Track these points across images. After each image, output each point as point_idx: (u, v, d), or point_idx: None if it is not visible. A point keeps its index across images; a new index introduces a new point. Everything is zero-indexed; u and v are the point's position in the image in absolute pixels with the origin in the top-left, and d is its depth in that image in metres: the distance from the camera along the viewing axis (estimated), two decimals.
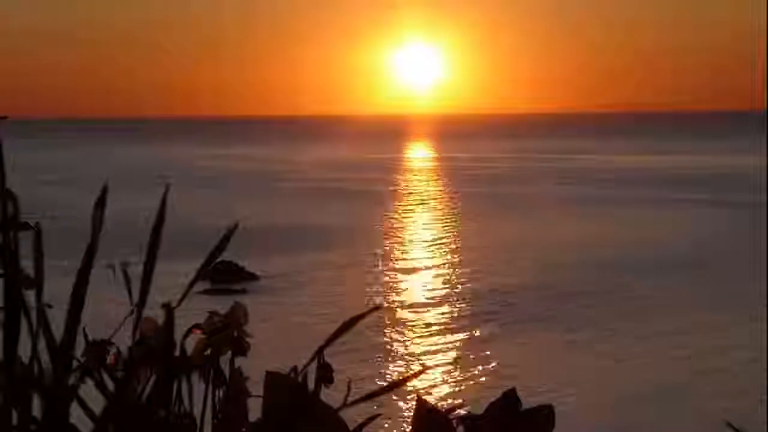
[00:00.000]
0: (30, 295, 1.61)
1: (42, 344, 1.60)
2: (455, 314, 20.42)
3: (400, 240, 32.11)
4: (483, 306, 20.96)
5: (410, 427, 2.07)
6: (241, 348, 1.99)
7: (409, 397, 13.72)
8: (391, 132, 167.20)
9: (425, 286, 23.64)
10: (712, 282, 23.37)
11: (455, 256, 28.25)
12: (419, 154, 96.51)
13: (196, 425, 1.88)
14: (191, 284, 1.74)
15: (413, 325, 19.46)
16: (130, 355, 1.82)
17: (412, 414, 2.07)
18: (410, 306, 21.27)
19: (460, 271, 25.49)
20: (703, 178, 56.48)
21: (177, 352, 1.82)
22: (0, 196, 1.59)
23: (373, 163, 76.57)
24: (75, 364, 1.65)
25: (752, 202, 40.54)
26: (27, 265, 1.63)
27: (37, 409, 1.59)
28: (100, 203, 1.63)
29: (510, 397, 2.11)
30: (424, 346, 18.00)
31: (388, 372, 16.05)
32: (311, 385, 1.95)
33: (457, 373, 16.13)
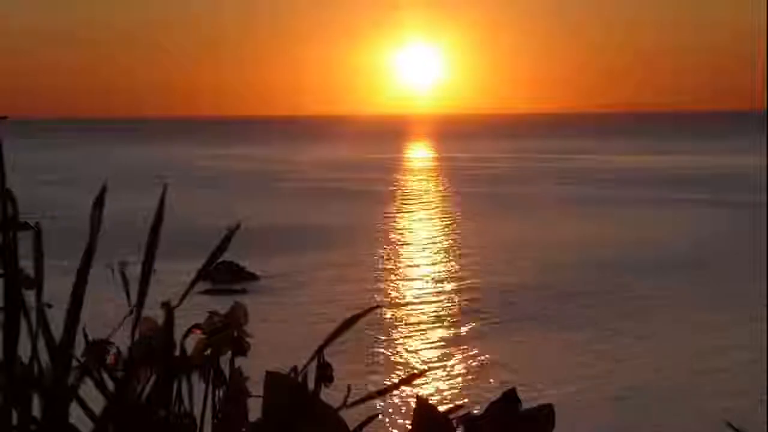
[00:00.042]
0: (30, 295, 1.61)
1: (42, 344, 1.60)
2: (455, 314, 20.42)
3: (399, 240, 32.10)
4: (483, 306, 20.96)
5: (410, 427, 2.07)
6: (241, 348, 1.99)
7: (409, 397, 13.71)
8: (391, 132, 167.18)
9: (425, 285, 23.63)
10: (712, 282, 23.36)
11: (455, 256, 28.24)
12: (419, 154, 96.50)
13: (196, 425, 1.88)
14: (192, 284, 1.74)
15: (412, 325, 19.46)
16: (130, 355, 1.82)
17: (411, 414, 2.07)
18: (410, 305, 21.26)
19: (459, 271, 25.49)
20: (703, 178, 56.47)
21: (177, 352, 1.81)
22: (0, 196, 1.59)
23: (374, 163, 76.56)
24: (75, 363, 1.65)
25: (752, 202, 40.54)
26: (27, 265, 1.63)
27: (37, 409, 1.59)
28: (99, 203, 1.63)
29: (510, 397, 2.11)
30: (423, 345, 17.99)
31: (387, 372, 16.05)
32: (311, 384, 1.95)
33: (456, 373, 16.13)
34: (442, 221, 37.48)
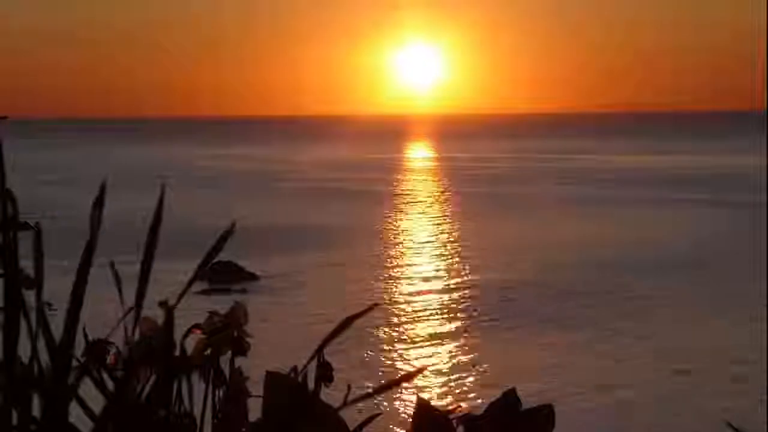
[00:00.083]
0: (30, 295, 1.61)
1: (42, 344, 1.60)
2: (454, 313, 20.41)
3: (399, 240, 32.10)
4: (482, 305, 20.95)
5: (410, 427, 2.07)
6: (241, 348, 1.99)
7: (408, 397, 13.72)
8: (391, 132, 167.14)
9: (424, 285, 23.63)
10: (712, 282, 23.36)
11: (454, 255, 28.24)
12: (419, 154, 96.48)
13: (196, 425, 1.88)
14: (189, 283, 1.74)
15: (412, 325, 19.45)
16: (129, 355, 1.82)
17: (411, 414, 2.07)
18: (409, 305, 21.26)
19: (459, 271, 25.48)
20: (703, 178, 56.46)
21: (177, 352, 1.82)
22: (0, 196, 1.59)
23: (374, 163, 76.55)
24: (75, 363, 1.65)
25: (752, 202, 40.53)
26: (27, 265, 1.62)
27: (37, 409, 1.59)
28: (99, 202, 1.63)
29: (510, 397, 2.11)
30: (422, 345, 17.99)
31: (386, 371, 16.04)
32: (311, 384, 1.95)
33: (455, 373, 16.12)
34: (442, 221, 37.47)
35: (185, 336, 1.89)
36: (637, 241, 30.30)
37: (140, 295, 1.68)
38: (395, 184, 56.28)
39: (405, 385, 13.49)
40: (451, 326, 19.38)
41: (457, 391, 15.13)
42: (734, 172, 58.84)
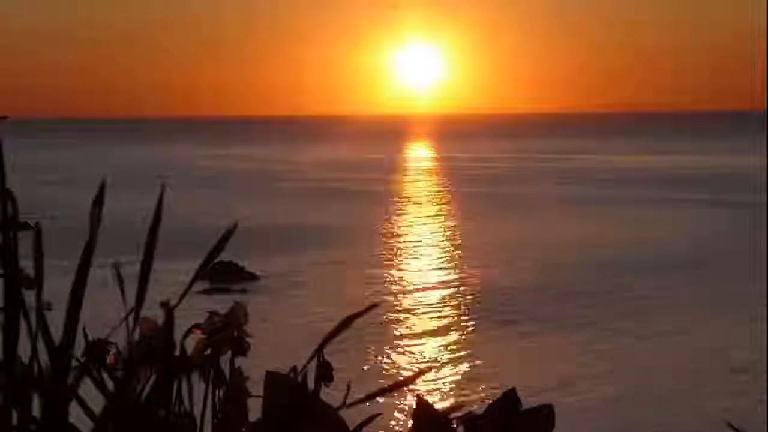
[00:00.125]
0: (30, 295, 1.61)
1: (41, 344, 1.60)
2: (454, 313, 20.41)
3: (399, 240, 32.10)
4: (482, 305, 20.95)
5: (410, 427, 2.07)
6: (241, 348, 1.99)
7: (408, 397, 13.72)
8: (391, 132, 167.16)
9: (424, 285, 23.63)
10: (712, 282, 23.36)
11: (454, 255, 28.24)
12: (419, 154, 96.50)
13: (196, 425, 1.88)
14: (190, 284, 1.74)
15: (411, 324, 19.46)
16: (129, 355, 1.82)
17: (411, 414, 2.07)
18: (408, 305, 21.26)
19: (459, 271, 25.49)
20: (703, 178, 56.47)
21: (177, 352, 1.81)
22: (0, 196, 1.59)
23: (374, 163, 76.55)
24: (75, 363, 1.65)
25: (752, 202, 40.53)
26: (27, 265, 1.62)
27: (37, 409, 1.59)
28: (98, 201, 1.63)
29: (510, 397, 2.11)
30: (422, 345, 17.99)
31: (386, 371, 16.05)
32: (311, 384, 1.95)
33: (455, 373, 16.13)
34: (441, 221, 37.48)
35: (185, 336, 1.89)
36: (637, 241, 30.30)
37: (140, 295, 1.68)
38: (395, 184, 56.29)
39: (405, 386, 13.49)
40: (451, 326, 19.38)
41: (457, 390, 15.13)
42: (734, 172, 58.85)
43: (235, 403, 1.96)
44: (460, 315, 20.31)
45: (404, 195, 49.17)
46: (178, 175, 59.39)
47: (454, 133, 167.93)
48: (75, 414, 1.64)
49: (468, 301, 21.62)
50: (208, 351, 1.96)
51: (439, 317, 20.21)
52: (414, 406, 2.08)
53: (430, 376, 15.72)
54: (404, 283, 24.07)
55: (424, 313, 20.55)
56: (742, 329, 18.60)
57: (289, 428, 1.88)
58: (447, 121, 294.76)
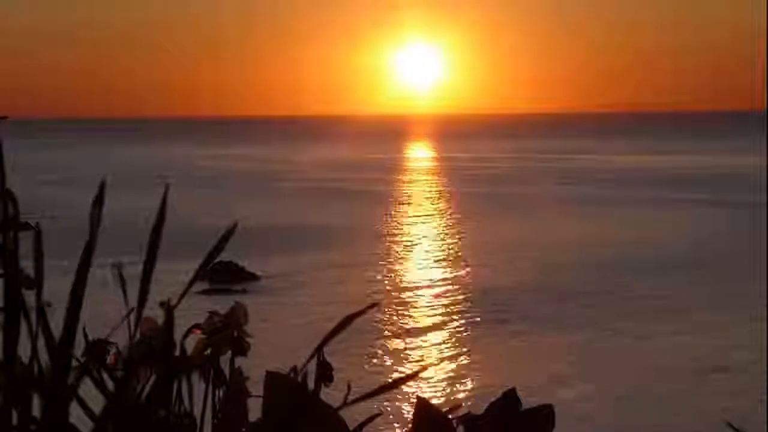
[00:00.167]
0: (30, 295, 1.61)
1: (42, 344, 1.60)
2: (454, 314, 20.41)
3: (399, 240, 32.10)
4: (482, 305, 20.95)
5: (410, 427, 2.07)
6: (241, 348, 1.99)
7: (408, 396, 13.72)
8: (391, 132, 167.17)
9: (424, 285, 23.63)
10: (712, 282, 23.36)
11: (454, 255, 28.24)
12: (419, 154, 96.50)
13: (196, 425, 1.88)
14: (190, 284, 1.74)
15: (411, 324, 19.46)
16: (129, 355, 1.82)
17: (411, 414, 2.07)
18: (409, 305, 21.27)
19: (459, 271, 25.49)
20: (703, 178, 56.47)
21: (177, 352, 1.81)
22: (0, 196, 1.59)
23: (374, 163, 76.56)
24: (75, 363, 1.65)
25: (752, 202, 40.53)
26: (27, 265, 1.62)
27: (37, 409, 1.59)
28: (98, 201, 1.63)
29: (510, 397, 2.11)
30: (422, 344, 18.00)
31: (386, 371, 16.05)
32: (311, 384, 1.95)
33: (455, 373, 16.13)
34: (441, 221, 37.48)
35: (185, 336, 1.89)
36: (637, 241, 30.30)
37: (143, 294, 1.68)
38: (395, 184, 56.29)
39: (405, 384, 13.50)
40: (451, 326, 19.39)
41: (457, 390, 15.13)
42: (734, 172, 58.85)
43: (235, 403, 1.96)
44: (460, 315, 20.31)
45: (404, 195, 49.18)
46: (178, 175, 59.39)
47: (454, 133, 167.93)
48: (75, 414, 1.64)
49: (468, 300, 21.62)
50: (208, 351, 1.96)
51: (439, 317, 20.20)
52: (414, 406, 2.08)
53: (428, 375, 15.72)
54: (404, 283, 24.07)
55: (423, 312, 20.55)
56: (742, 329, 18.60)
57: (289, 428, 1.88)
58: (447, 121, 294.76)
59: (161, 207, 1.66)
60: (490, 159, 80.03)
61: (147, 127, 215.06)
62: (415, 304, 21.37)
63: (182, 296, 1.71)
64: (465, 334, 18.76)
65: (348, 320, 1.79)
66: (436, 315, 20.39)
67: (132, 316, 1.75)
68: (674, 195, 46.05)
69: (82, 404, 1.66)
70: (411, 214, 39.93)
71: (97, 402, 1.67)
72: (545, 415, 2.10)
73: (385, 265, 26.62)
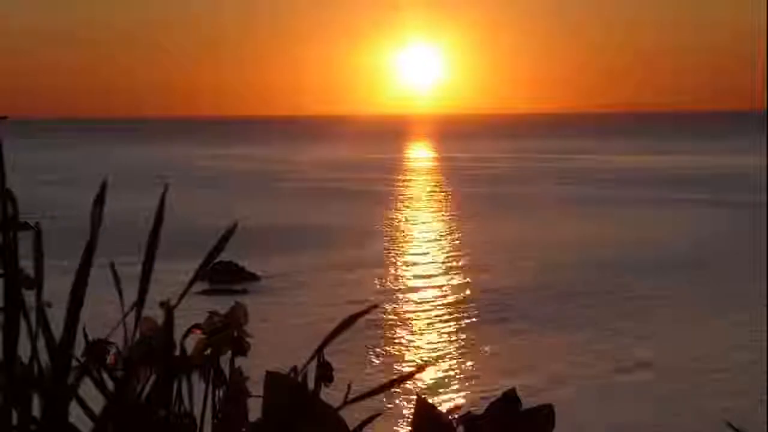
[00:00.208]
0: (30, 295, 1.61)
1: (42, 344, 1.60)
2: (454, 314, 20.41)
3: (399, 240, 32.10)
4: (482, 305, 20.95)
5: (410, 427, 2.07)
6: (241, 348, 1.99)
7: (408, 396, 13.71)
8: (391, 132, 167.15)
9: (424, 285, 23.62)
10: (712, 282, 23.36)
11: (454, 255, 28.24)
12: (420, 154, 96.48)
13: (196, 425, 1.88)
14: (190, 284, 1.74)
15: (411, 324, 19.46)
16: (129, 355, 1.82)
17: (411, 414, 2.07)
18: (409, 305, 21.26)
19: (459, 271, 25.48)
20: (703, 178, 56.46)
21: (177, 352, 1.81)
22: (0, 196, 1.59)
23: (374, 163, 76.55)
24: (75, 363, 1.65)
25: (752, 202, 40.53)
26: (27, 265, 1.62)
27: (37, 409, 1.59)
28: (99, 200, 1.63)
29: (510, 397, 2.11)
30: (421, 344, 17.99)
31: (386, 370, 16.04)
32: (311, 384, 1.95)
33: (455, 373, 16.12)
34: (441, 221, 37.48)
35: (185, 336, 1.89)
36: (637, 241, 30.30)
37: (142, 294, 1.68)
38: (395, 184, 56.28)
39: (405, 384, 13.50)
40: (451, 326, 19.38)
41: (457, 390, 15.13)
42: (734, 172, 58.84)
43: (235, 403, 1.96)
44: (460, 314, 20.30)
45: (404, 195, 49.17)
46: (178, 175, 59.38)
47: (454, 133, 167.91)
48: (75, 414, 1.64)
49: (467, 300, 21.62)
50: (208, 351, 1.96)
51: (439, 317, 20.20)
52: (414, 406, 2.08)
53: (428, 375, 15.72)
54: (404, 283, 24.06)
55: (423, 312, 20.54)
56: (742, 329, 18.59)
57: (289, 428, 1.88)
58: (447, 121, 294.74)
59: (159, 207, 1.66)
60: (490, 159, 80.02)
61: (147, 127, 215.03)
62: (415, 304, 21.37)
63: (182, 296, 1.72)
64: (465, 333, 18.75)
65: (349, 321, 1.79)
66: (435, 314, 20.39)
67: (132, 316, 1.75)
68: (674, 195, 46.04)
69: (82, 404, 1.66)
70: (411, 214, 39.93)
71: (97, 402, 1.67)
72: (545, 415, 2.10)
73: (385, 265, 26.62)
